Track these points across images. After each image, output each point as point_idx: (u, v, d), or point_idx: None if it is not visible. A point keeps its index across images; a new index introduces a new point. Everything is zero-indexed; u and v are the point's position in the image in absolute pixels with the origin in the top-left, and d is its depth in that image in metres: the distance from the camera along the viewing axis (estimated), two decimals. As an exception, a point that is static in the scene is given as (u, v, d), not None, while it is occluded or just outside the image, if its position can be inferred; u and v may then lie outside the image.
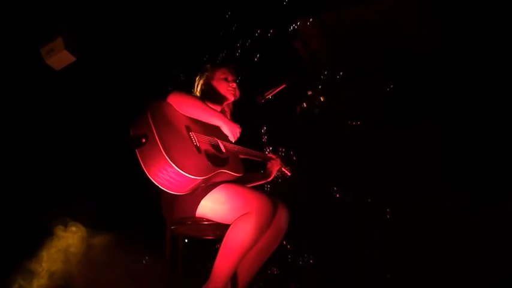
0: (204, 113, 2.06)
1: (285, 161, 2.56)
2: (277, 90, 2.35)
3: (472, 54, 3.34)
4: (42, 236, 2.51)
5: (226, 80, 2.32)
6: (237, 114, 2.42)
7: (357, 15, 3.55)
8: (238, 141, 2.20)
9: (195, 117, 2.05)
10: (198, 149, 1.92)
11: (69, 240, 2.54)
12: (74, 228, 2.58)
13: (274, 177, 2.50)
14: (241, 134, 2.12)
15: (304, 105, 3.24)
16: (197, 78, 2.37)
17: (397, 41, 3.68)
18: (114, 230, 2.63)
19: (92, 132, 2.88)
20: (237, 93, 2.34)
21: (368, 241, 3.11)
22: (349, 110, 3.71)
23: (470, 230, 2.81)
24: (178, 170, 1.72)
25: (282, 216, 2.05)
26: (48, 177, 2.68)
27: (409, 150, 3.35)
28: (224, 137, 2.15)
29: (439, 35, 3.56)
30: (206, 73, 2.35)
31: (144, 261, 2.75)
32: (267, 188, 2.83)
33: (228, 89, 2.30)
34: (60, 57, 2.73)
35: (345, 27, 3.67)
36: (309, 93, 3.35)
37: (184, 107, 2.03)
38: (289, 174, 2.57)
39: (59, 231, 2.55)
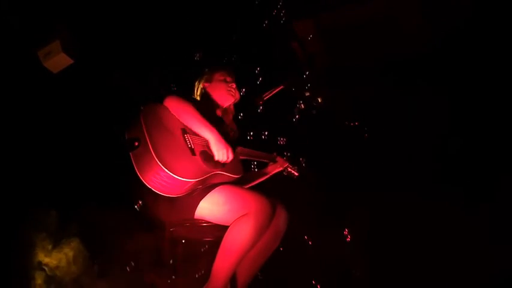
0: (196, 123, 1.97)
1: (292, 161, 2.54)
2: (275, 91, 2.35)
3: (471, 54, 3.35)
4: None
5: (225, 81, 2.33)
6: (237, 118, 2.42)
7: (353, 15, 3.56)
8: (240, 143, 2.19)
9: (188, 126, 1.98)
10: (192, 151, 1.90)
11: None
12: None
13: (274, 175, 2.49)
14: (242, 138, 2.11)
15: (302, 106, 3.24)
16: (196, 83, 2.38)
17: (394, 41, 3.69)
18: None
19: (89, 134, 2.87)
20: (237, 94, 2.35)
21: (365, 239, 3.09)
22: (347, 111, 3.71)
23: (469, 228, 2.80)
24: (170, 173, 1.71)
25: (281, 217, 2.05)
26: (46, 178, 2.68)
27: (407, 146, 3.35)
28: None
29: (438, 35, 3.57)
30: (205, 76, 2.35)
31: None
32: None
33: (228, 90, 2.31)
34: (57, 60, 2.72)
35: (341, 28, 3.68)
36: (307, 94, 3.35)
37: (178, 112, 1.98)
38: (296, 174, 2.56)
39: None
